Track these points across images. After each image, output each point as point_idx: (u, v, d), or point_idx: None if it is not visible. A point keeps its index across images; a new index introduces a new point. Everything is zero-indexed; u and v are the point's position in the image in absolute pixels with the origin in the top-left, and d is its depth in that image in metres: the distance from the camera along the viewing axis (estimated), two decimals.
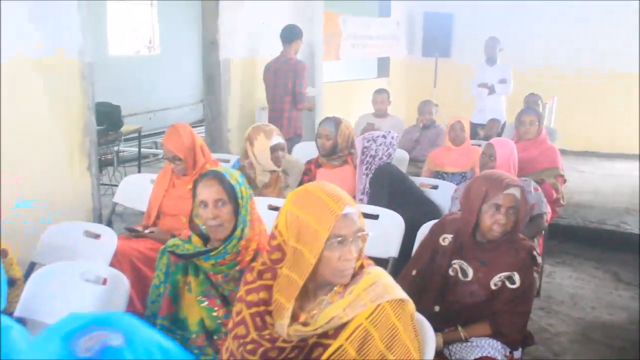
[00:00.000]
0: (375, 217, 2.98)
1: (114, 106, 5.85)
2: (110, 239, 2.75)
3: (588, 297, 4.07)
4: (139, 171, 6.40)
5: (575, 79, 8.30)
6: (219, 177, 2.10)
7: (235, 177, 2.14)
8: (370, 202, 3.48)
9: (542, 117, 4.30)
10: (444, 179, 4.26)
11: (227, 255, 2.00)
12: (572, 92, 8.14)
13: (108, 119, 5.68)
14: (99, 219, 4.04)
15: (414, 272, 2.41)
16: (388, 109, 5.71)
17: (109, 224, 3.88)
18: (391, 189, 3.43)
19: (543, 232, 3.47)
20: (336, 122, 3.90)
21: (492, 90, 6.28)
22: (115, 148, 6.48)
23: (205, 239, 2.14)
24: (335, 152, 3.86)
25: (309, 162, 3.95)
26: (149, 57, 11.10)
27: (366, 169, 3.61)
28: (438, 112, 8.23)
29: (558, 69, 8.37)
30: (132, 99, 9.90)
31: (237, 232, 2.01)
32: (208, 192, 2.08)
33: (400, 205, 3.39)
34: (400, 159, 4.64)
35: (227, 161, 4.48)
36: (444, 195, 3.65)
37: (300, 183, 3.86)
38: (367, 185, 3.57)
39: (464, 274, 2.28)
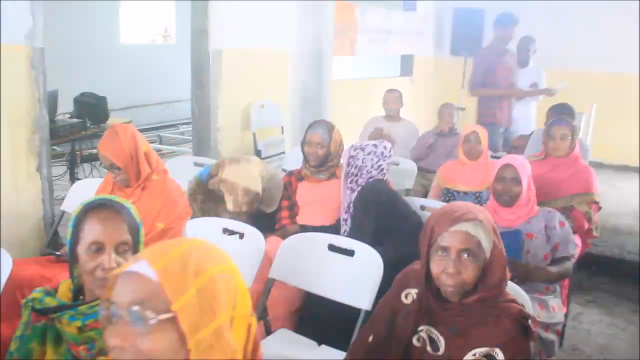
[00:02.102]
0: (351, 253, 2.35)
1: (99, 97, 5.33)
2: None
3: (622, 351, 3.37)
4: None
5: (616, 83, 7.47)
6: (121, 211, 1.53)
7: (135, 211, 1.57)
8: (352, 229, 2.85)
9: (577, 130, 3.59)
10: (454, 199, 3.61)
11: None
12: (612, 99, 7.31)
13: (91, 111, 5.17)
14: (50, 229, 3.50)
15: (370, 339, 1.78)
16: (403, 112, 5.09)
17: (54, 236, 3.36)
18: (379, 213, 2.80)
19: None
20: (329, 126, 3.30)
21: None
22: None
23: (77, 290, 1.56)
24: (325, 163, 3.25)
25: (289, 174, 3.36)
26: (165, 46, 10.64)
27: (351, 182, 2.98)
28: (465, 117, 7.67)
29: (596, 72, 7.56)
30: (144, 89, 9.50)
31: None
32: (107, 231, 1.51)
33: (390, 235, 2.77)
34: (407, 171, 4.01)
35: (202, 165, 3.91)
36: None
37: (282, 198, 3.26)
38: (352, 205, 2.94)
39: (434, 346, 1.65)
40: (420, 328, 1.67)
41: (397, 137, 4.71)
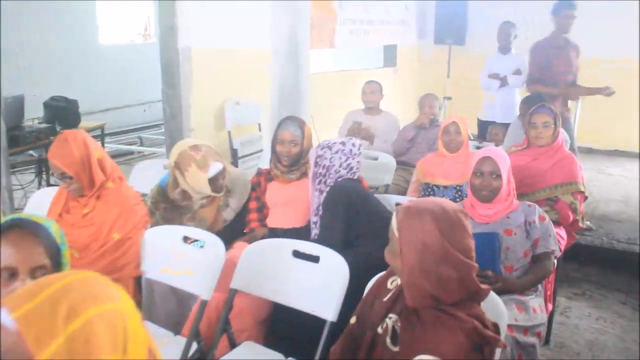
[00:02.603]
0: (315, 259, 2.20)
1: (69, 100, 5.17)
2: None
3: (611, 347, 3.24)
4: None
5: (603, 67, 7.33)
6: (37, 231, 1.38)
7: (56, 230, 1.42)
8: (321, 232, 2.71)
9: (559, 117, 3.44)
10: (434, 194, 3.47)
11: None
12: (600, 83, 7.18)
13: (61, 115, 5.00)
14: None
15: (352, 320, 1.72)
16: (388, 103, 4.94)
17: None
18: (349, 214, 2.65)
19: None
20: (299, 123, 3.15)
21: (504, 83, 5.42)
22: None
23: None
24: (298, 162, 3.10)
25: (258, 175, 3.20)
26: (145, 45, 10.43)
27: (319, 183, 2.82)
28: (452, 106, 7.52)
29: (583, 57, 7.42)
30: (125, 90, 9.31)
31: None
32: (20, 255, 1.37)
33: (361, 237, 2.62)
34: (386, 165, 3.86)
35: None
36: None
37: (248, 200, 3.11)
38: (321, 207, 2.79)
39: (394, 339, 1.54)
40: (390, 316, 1.59)
41: (377, 131, 4.56)
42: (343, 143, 2.84)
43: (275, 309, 2.53)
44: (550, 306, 3.02)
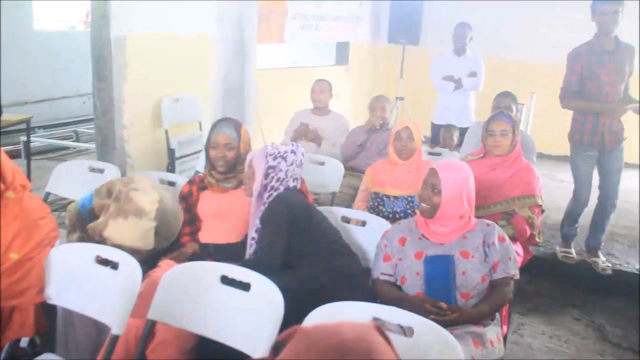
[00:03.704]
0: (246, 286, 1.91)
1: None
2: None
3: None
4: (28, 172, 5.27)
5: (556, 72, 7.27)
6: None
7: None
8: (259, 249, 2.41)
9: (518, 124, 3.25)
10: (383, 204, 3.22)
11: None
12: (551, 88, 7.13)
13: None
14: None
15: None
16: (340, 102, 4.67)
17: None
18: (292, 230, 2.37)
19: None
20: (235, 124, 2.85)
21: (459, 85, 5.23)
22: None
23: None
24: (235, 168, 2.80)
25: (190, 183, 2.88)
26: (86, 33, 9.83)
27: (269, 197, 2.53)
28: (404, 107, 7.33)
29: (535, 62, 7.35)
30: (62, 81, 8.77)
31: None
32: None
33: (303, 256, 2.35)
34: (333, 171, 3.60)
35: (100, 170, 3.42)
36: (372, 236, 2.60)
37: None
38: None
39: None
40: None
41: (325, 133, 4.29)
42: (294, 152, 2.56)
43: (202, 339, 2.22)
44: (505, 328, 2.82)
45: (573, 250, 4.32)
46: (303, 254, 2.36)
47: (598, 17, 3.93)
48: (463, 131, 4.65)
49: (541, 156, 7.30)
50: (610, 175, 4.13)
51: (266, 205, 2.50)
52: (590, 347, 3.29)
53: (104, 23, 4.04)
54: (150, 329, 1.97)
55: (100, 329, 2.32)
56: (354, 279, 2.38)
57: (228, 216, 2.71)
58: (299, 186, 2.57)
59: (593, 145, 4.07)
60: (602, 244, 4.28)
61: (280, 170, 2.53)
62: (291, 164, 2.56)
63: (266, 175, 2.53)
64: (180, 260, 2.45)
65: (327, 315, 1.75)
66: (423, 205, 2.34)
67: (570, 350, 3.25)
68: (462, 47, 5.31)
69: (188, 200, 2.81)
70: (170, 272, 2.00)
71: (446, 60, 5.41)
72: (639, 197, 5.63)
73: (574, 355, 3.20)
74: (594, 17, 3.96)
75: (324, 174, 3.57)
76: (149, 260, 2.42)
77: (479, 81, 5.24)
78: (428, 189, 2.33)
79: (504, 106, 3.91)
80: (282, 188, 2.52)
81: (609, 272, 4.05)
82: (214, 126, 2.83)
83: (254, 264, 2.22)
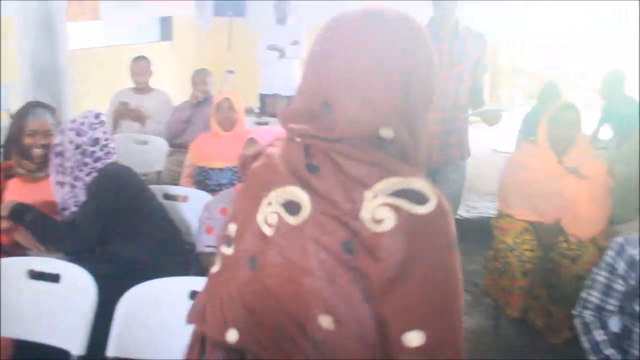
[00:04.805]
0: (56, 278, 1.81)
1: None
2: None
3: None
4: None
5: None
6: None
7: None
8: (77, 221, 2.27)
9: None
10: (209, 178, 3.21)
11: None
12: None
13: None
14: None
15: None
16: (167, 80, 4.52)
17: None
18: (118, 206, 2.26)
19: None
20: (50, 109, 2.66)
21: (282, 54, 5.31)
22: None
23: None
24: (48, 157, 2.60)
25: None
26: None
27: (63, 174, 2.37)
28: (235, 81, 7.28)
29: None
30: None
31: None
32: None
33: (125, 234, 2.27)
34: (157, 150, 3.51)
35: None
36: (197, 210, 2.59)
37: None
38: (72, 203, 2.35)
39: None
40: None
41: (148, 111, 4.15)
42: (74, 120, 2.41)
43: (19, 343, 2.07)
44: None
45: None
46: (126, 231, 2.28)
47: None
48: (288, 99, 4.74)
49: None
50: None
51: (59, 184, 2.36)
52: None
53: None
54: None
55: None
56: (178, 256, 2.36)
57: (41, 207, 2.53)
58: (113, 153, 2.42)
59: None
60: None
61: (64, 146, 2.36)
62: (71, 131, 2.38)
63: (56, 154, 2.36)
64: None
65: (144, 294, 1.72)
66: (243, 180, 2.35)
67: None
68: (284, 16, 5.37)
69: None
70: None
71: (271, 31, 5.46)
72: None
73: None
74: None
75: (148, 154, 3.47)
76: None
77: (301, 49, 5.35)
78: (249, 161, 2.34)
79: None
80: (70, 160, 2.36)
81: None
82: (28, 112, 2.60)
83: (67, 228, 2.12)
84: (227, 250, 0.97)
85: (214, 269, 1.01)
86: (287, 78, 5.29)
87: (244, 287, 0.92)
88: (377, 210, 0.84)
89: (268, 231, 0.92)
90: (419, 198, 0.85)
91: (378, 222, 0.84)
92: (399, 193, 0.85)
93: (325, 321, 0.85)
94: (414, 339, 0.83)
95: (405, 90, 0.91)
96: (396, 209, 0.84)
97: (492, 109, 3.11)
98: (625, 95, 5.11)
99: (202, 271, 2.34)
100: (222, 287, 0.96)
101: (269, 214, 0.92)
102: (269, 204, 0.92)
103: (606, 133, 5.38)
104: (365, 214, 0.85)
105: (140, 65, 4.30)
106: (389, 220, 0.83)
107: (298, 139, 0.93)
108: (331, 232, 0.86)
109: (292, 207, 0.90)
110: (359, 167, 0.87)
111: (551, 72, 8.69)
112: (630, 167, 3.33)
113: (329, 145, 0.90)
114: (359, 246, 0.84)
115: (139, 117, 4.10)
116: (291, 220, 0.90)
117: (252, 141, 2.34)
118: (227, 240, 0.98)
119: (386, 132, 0.89)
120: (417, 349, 0.83)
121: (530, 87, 8.73)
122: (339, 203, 0.86)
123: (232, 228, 0.99)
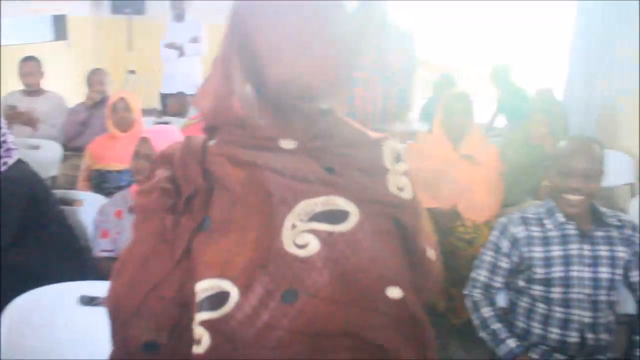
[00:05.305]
0: None
1: None
2: None
3: None
4: None
5: None
6: None
7: None
8: None
9: None
10: (107, 181, 3.11)
11: None
12: None
13: None
14: None
15: None
16: (64, 81, 4.30)
17: None
18: (26, 212, 2.13)
19: None
20: None
21: (182, 52, 5.21)
22: None
23: None
24: None
25: None
26: None
27: None
28: (138, 81, 7.05)
29: None
30: None
31: None
32: None
33: (27, 246, 2.15)
34: (50, 155, 3.35)
35: None
36: (92, 214, 2.50)
37: None
38: None
39: None
40: None
41: (41, 115, 3.96)
42: None
43: None
44: None
45: None
46: (25, 239, 2.15)
47: None
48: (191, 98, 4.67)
49: None
50: None
51: None
52: None
53: None
54: None
55: None
56: (72, 261, 2.27)
57: None
58: (12, 155, 2.27)
59: None
60: None
61: None
62: None
63: None
64: None
65: (29, 303, 1.64)
66: (137, 178, 2.30)
67: None
68: (181, 12, 5.27)
69: None
70: None
71: (170, 28, 5.34)
72: None
73: None
74: None
75: (40, 159, 3.31)
76: None
77: (202, 46, 5.27)
78: (141, 159, 2.29)
79: None
80: (3, 162, 2.21)
81: None
82: None
83: None
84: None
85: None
86: (189, 76, 5.19)
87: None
88: (400, 179, 0.96)
89: (303, 253, 0.85)
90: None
91: (401, 189, 0.96)
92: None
93: (395, 292, 0.89)
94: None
95: None
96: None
97: None
98: (516, 87, 5.40)
99: (100, 276, 2.26)
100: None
101: (298, 235, 0.86)
102: (293, 226, 0.86)
103: (501, 122, 5.66)
104: (392, 185, 0.95)
105: (30, 66, 4.09)
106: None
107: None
108: (378, 212, 0.91)
109: (335, 216, 0.87)
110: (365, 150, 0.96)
111: (451, 64, 9.00)
112: (519, 153, 3.53)
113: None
114: (400, 213, 0.94)
115: (29, 121, 3.90)
116: (340, 228, 0.87)
117: (144, 140, 2.29)
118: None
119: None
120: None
121: (429, 79, 9.01)
122: (369, 189, 0.92)
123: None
